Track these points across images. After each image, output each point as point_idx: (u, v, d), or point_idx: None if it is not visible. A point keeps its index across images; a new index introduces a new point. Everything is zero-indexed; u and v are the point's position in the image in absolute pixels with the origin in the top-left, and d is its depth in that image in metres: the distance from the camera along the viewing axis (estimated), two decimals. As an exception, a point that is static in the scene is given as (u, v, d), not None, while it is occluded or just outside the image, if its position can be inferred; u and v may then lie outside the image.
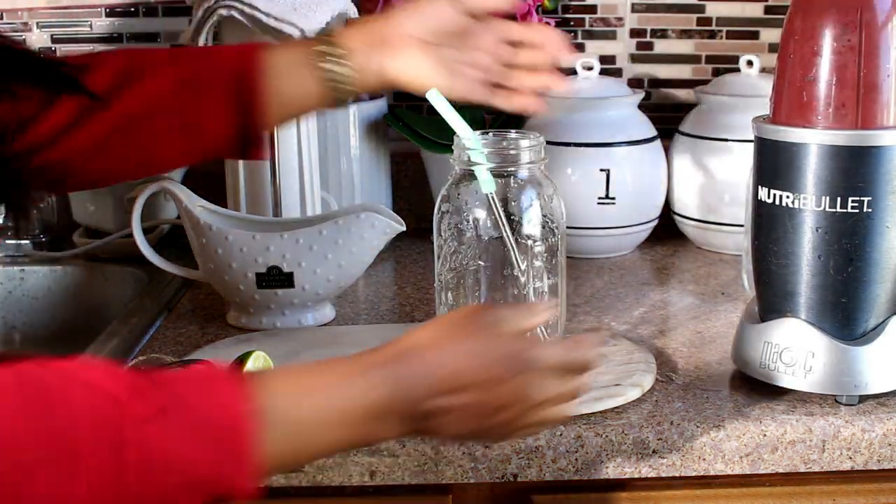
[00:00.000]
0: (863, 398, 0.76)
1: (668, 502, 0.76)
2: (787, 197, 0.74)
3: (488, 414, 0.59)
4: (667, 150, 1.24)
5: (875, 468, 0.74)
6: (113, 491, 0.47)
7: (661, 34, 1.39)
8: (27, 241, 1.24)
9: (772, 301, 0.78)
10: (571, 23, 1.38)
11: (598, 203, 1.17)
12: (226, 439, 0.51)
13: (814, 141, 0.72)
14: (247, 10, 0.96)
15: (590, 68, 1.24)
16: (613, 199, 1.17)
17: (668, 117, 1.36)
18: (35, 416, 0.45)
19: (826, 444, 0.73)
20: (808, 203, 0.73)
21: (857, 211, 0.72)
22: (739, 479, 0.76)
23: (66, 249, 1.23)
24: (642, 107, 1.24)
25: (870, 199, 0.72)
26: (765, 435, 0.73)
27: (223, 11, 0.96)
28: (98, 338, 0.94)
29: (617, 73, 1.39)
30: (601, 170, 1.16)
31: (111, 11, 1.34)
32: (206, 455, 0.50)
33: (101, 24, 1.35)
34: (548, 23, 1.36)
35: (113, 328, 0.96)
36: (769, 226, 0.76)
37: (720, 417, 0.74)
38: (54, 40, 1.35)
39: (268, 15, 0.96)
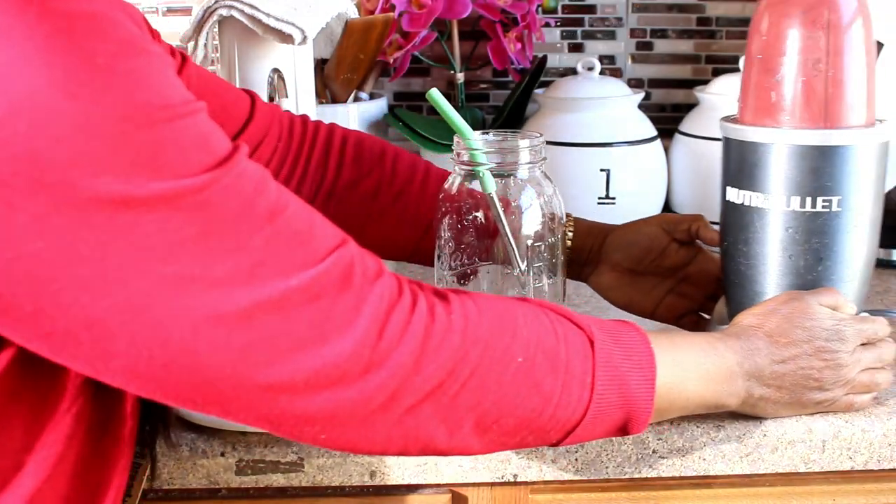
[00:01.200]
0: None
1: (668, 502, 0.76)
2: (757, 197, 0.74)
3: (813, 381, 0.69)
4: (667, 150, 1.24)
5: (875, 468, 0.74)
6: (576, 393, 0.59)
7: (661, 34, 1.39)
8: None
9: (741, 302, 0.77)
10: (571, 23, 1.38)
11: (598, 203, 1.17)
12: (643, 365, 0.61)
13: (782, 141, 0.72)
14: (247, 10, 0.96)
15: (590, 68, 1.24)
16: (613, 199, 1.17)
17: (668, 117, 1.36)
18: (548, 330, 0.59)
19: (826, 444, 0.73)
20: (777, 203, 0.73)
21: (826, 210, 0.72)
22: (739, 479, 0.76)
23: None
24: (642, 107, 1.24)
25: (839, 198, 0.72)
26: (765, 435, 0.73)
27: (223, 11, 0.96)
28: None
29: (617, 73, 1.39)
30: (601, 170, 1.16)
31: (111, 11, 1.34)
32: (632, 376, 0.61)
33: (101, 24, 1.35)
34: (548, 23, 1.36)
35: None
36: (738, 226, 0.76)
37: (720, 417, 0.74)
38: (54, 40, 1.35)
39: (268, 15, 0.96)
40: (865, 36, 0.71)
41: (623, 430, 0.62)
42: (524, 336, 0.58)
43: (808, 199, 0.72)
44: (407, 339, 0.52)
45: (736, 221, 0.76)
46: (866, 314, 0.75)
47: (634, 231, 0.86)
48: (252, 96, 0.84)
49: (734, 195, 0.76)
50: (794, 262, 0.74)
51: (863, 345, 0.71)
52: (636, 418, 0.61)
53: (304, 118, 0.88)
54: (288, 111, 0.88)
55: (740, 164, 0.75)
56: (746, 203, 0.75)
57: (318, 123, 0.88)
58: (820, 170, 0.72)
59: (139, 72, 0.45)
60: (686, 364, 0.65)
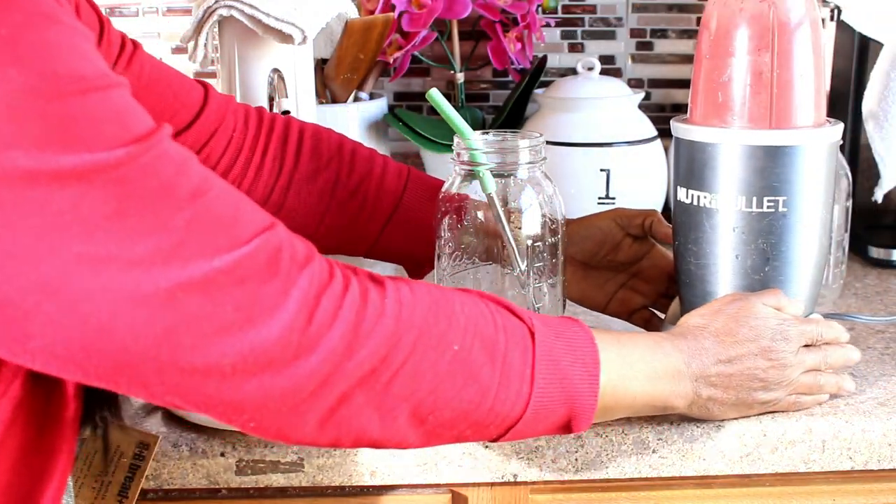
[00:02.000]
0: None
1: (668, 502, 0.76)
2: (705, 197, 0.74)
3: (758, 382, 0.69)
4: (667, 150, 1.24)
5: (875, 468, 0.74)
6: (515, 386, 0.58)
7: (661, 34, 1.39)
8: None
9: (693, 301, 0.78)
10: (571, 23, 1.38)
11: (598, 203, 1.17)
12: (587, 361, 0.61)
13: (729, 141, 0.72)
14: (247, 10, 0.96)
15: (590, 68, 1.24)
16: (613, 198, 1.17)
17: (668, 117, 1.36)
18: (487, 319, 0.59)
19: (826, 444, 0.73)
20: (725, 203, 0.73)
21: (772, 210, 0.72)
22: (739, 479, 0.76)
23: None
24: (642, 107, 1.24)
25: (785, 198, 0.72)
26: (765, 435, 0.73)
27: (223, 11, 0.96)
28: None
29: (617, 73, 1.39)
30: (601, 170, 1.16)
31: (111, 11, 1.34)
32: (575, 371, 0.60)
33: (101, 24, 1.35)
34: (548, 23, 1.36)
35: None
36: (688, 226, 0.76)
37: (720, 417, 0.74)
38: (54, 40, 1.35)
39: (268, 15, 0.96)
40: (813, 37, 0.72)
41: (566, 427, 0.61)
42: (461, 323, 0.57)
43: (755, 199, 0.72)
44: (338, 324, 0.51)
45: (686, 221, 0.76)
46: (817, 315, 0.75)
47: (588, 225, 0.86)
48: (205, 87, 0.83)
49: (683, 195, 0.76)
50: (742, 262, 0.74)
51: (807, 346, 0.71)
52: (580, 415, 0.61)
53: (260, 110, 0.87)
54: (246, 104, 0.87)
55: (689, 163, 0.75)
56: (695, 203, 0.75)
57: (274, 115, 0.87)
58: (766, 170, 0.72)
59: (49, 43, 0.44)
60: (632, 360, 0.64)
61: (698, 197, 0.75)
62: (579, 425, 0.61)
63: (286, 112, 0.92)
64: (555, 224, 0.79)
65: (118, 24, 1.34)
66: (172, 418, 0.75)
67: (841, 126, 0.74)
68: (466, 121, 0.76)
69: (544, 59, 1.29)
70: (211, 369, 0.48)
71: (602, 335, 0.63)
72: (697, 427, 0.73)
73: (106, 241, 0.45)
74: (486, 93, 1.40)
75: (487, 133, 0.80)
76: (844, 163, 1.00)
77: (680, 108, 1.40)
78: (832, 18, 1.20)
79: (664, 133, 1.24)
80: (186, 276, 0.47)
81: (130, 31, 1.34)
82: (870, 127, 1.07)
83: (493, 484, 0.76)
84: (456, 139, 0.77)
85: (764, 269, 0.74)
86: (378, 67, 1.26)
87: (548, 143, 1.15)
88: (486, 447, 0.72)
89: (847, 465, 0.74)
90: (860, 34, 1.11)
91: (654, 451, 0.73)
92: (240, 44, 0.98)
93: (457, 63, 1.28)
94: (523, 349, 0.59)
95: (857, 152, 1.19)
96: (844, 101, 1.18)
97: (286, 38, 0.96)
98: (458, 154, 0.77)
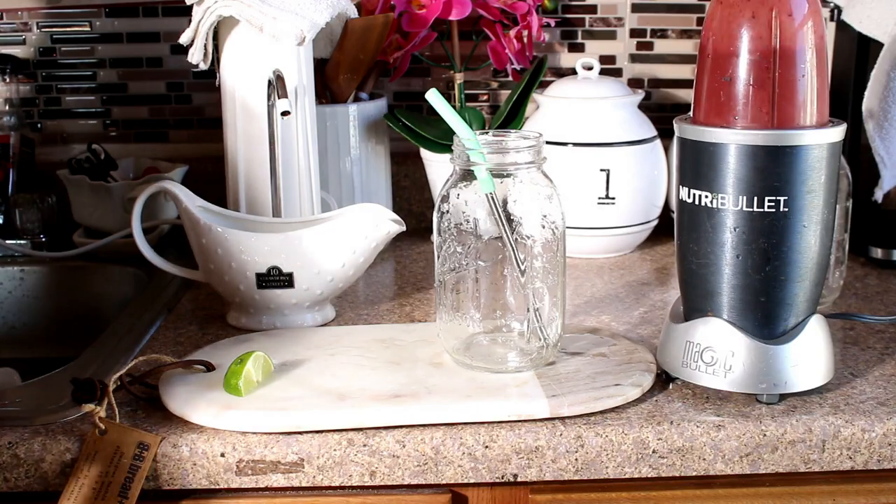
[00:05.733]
0: (784, 397, 0.76)
1: (668, 502, 0.76)
2: (706, 197, 0.75)
3: None
4: (667, 150, 1.24)
5: (875, 468, 0.74)
6: None
7: (661, 34, 1.39)
8: (27, 241, 1.24)
9: (694, 300, 0.78)
10: (571, 23, 1.38)
11: (598, 203, 1.17)
12: None
13: (731, 141, 0.73)
14: (247, 10, 0.96)
15: (590, 68, 1.24)
16: (613, 199, 1.17)
17: (668, 117, 1.36)
18: None
19: (826, 444, 0.73)
20: (727, 203, 0.74)
21: (773, 210, 0.73)
22: (739, 479, 0.76)
23: (66, 249, 1.23)
24: (642, 107, 1.24)
25: (786, 198, 0.72)
26: (765, 435, 0.73)
27: (223, 11, 0.96)
28: (98, 338, 0.94)
29: (617, 73, 1.39)
30: (601, 170, 1.16)
31: (111, 11, 1.34)
32: None
33: (101, 24, 1.35)
34: (548, 23, 1.36)
35: (113, 328, 0.96)
36: (690, 226, 0.77)
37: (720, 417, 0.74)
38: (54, 40, 1.35)
39: (267, 15, 0.96)
40: (816, 37, 0.72)
41: None
42: None
43: (755, 199, 0.73)
44: None
45: (688, 221, 0.77)
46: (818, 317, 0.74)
47: None
48: None
49: (685, 194, 0.76)
50: (743, 262, 0.74)
51: None
52: None
53: None
54: None
55: (690, 163, 0.76)
56: (696, 202, 0.75)
57: None
58: (767, 170, 0.72)
59: None
60: None
61: (700, 196, 0.75)
62: None
63: (286, 112, 0.92)
64: (555, 224, 0.79)
65: (118, 23, 1.34)
66: (172, 418, 0.75)
67: (843, 126, 0.74)
68: (466, 121, 0.76)
69: (544, 59, 1.29)
70: None
71: None
72: (697, 427, 0.73)
73: None
74: (486, 93, 1.40)
75: (487, 133, 0.80)
76: (844, 163, 1.00)
77: (680, 108, 1.40)
78: (832, 18, 1.20)
79: (664, 133, 1.24)
80: None
81: (130, 31, 1.35)
82: (870, 127, 1.07)
83: (493, 484, 0.76)
84: (456, 139, 0.77)
85: (765, 269, 0.74)
86: (378, 67, 1.26)
87: (548, 143, 1.16)
88: (486, 447, 0.72)
89: (847, 465, 0.74)
90: (860, 34, 1.11)
91: (654, 451, 0.73)
92: (240, 44, 0.98)
93: (457, 63, 1.28)
94: None
95: (857, 152, 1.19)
96: (844, 101, 1.18)
97: (286, 38, 0.96)
98: (458, 154, 0.77)
